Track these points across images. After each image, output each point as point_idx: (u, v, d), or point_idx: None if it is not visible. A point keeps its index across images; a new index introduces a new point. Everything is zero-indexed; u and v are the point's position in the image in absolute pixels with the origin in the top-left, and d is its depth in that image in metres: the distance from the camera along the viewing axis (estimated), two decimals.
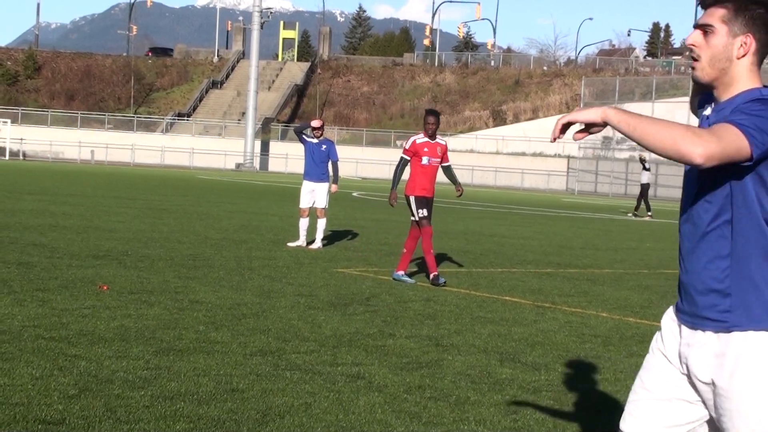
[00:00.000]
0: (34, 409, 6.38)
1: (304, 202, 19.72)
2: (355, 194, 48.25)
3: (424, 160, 14.77)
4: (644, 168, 43.67)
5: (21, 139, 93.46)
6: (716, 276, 3.73)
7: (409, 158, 14.86)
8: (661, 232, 32.16)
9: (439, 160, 14.90)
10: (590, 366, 9.01)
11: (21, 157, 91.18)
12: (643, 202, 43.32)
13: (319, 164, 19.71)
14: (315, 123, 19.64)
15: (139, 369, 7.69)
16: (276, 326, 9.96)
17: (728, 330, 3.68)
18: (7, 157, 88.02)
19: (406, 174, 14.80)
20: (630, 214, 44.28)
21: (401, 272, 14.60)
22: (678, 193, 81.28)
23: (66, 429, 6.04)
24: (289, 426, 6.42)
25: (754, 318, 3.64)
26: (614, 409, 7.43)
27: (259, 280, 13.66)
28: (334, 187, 19.94)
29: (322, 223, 19.50)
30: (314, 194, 19.69)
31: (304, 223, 19.48)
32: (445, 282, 14.23)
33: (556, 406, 7.41)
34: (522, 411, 7.20)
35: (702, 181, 3.76)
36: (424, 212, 14.64)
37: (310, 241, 19.38)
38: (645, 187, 43.42)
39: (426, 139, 14.83)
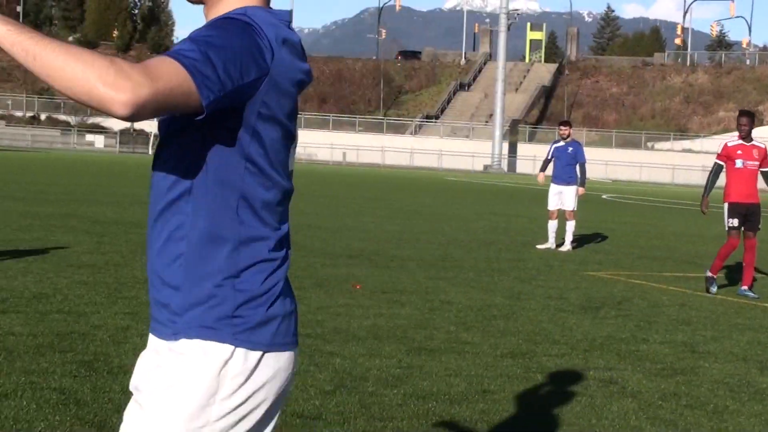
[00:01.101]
0: (292, 403, 6.55)
1: (552, 204, 19.59)
2: (605, 196, 47.59)
3: (738, 163, 13.85)
4: None
5: None
6: (168, 265, 2.75)
7: (722, 163, 14.03)
8: None
9: (756, 163, 13.83)
10: None
11: None
12: None
13: (566, 166, 19.54)
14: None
15: (392, 367, 7.79)
16: (526, 328, 9.92)
17: (175, 337, 2.73)
18: None
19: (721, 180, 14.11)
20: None
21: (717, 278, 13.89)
22: None
23: (323, 424, 6.17)
24: (540, 429, 6.37)
25: (204, 322, 2.69)
26: None
27: (508, 281, 13.64)
28: (581, 190, 19.71)
29: (571, 226, 19.33)
30: (562, 196, 19.53)
31: (552, 225, 19.34)
32: (755, 297, 13.41)
33: None
34: None
35: (162, 130, 2.79)
36: (734, 222, 13.72)
37: (560, 244, 19.23)
38: None
39: (740, 141, 13.96)
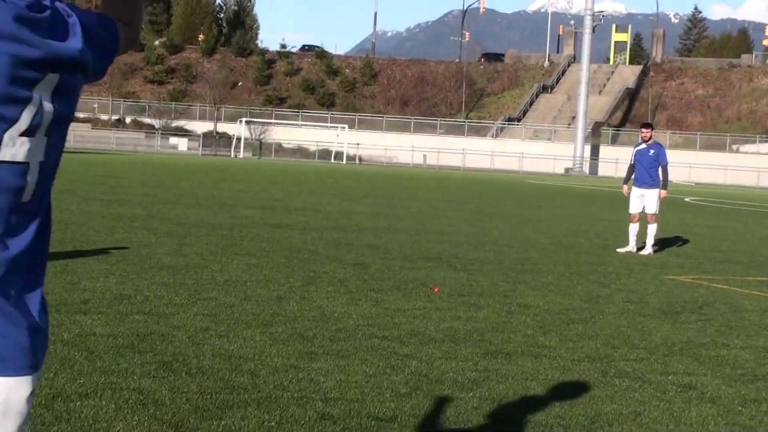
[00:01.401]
0: (367, 405, 6.57)
1: (634, 208, 19.43)
2: (687, 199, 47.04)
3: None
4: None
5: (357, 144, 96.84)
6: None
7: None
8: None
9: None
10: None
11: (357, 162, 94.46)
12: None
13: (648, 169, 19.36)
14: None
15: (468, 370, 7.79)
16: (604, 332, 9.85)
17: None
18: (344, 162, 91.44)
19: None
20: None
21: None
22: None
23: (398, 426, 6.18)
24: None
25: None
26: None
27: (587, 285, 13.55)
28: (663, 193, 19.51)
29: (652, 229, 19.15)
30: (644, 199, 19.36)
31: (634, 229, 19.18)
32: None
33: None
34: None
35: None
36: None
37: (640, 247, 19.05)
38: None
39: None
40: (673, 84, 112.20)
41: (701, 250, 20.02)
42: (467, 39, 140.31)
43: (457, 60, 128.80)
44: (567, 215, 29.26)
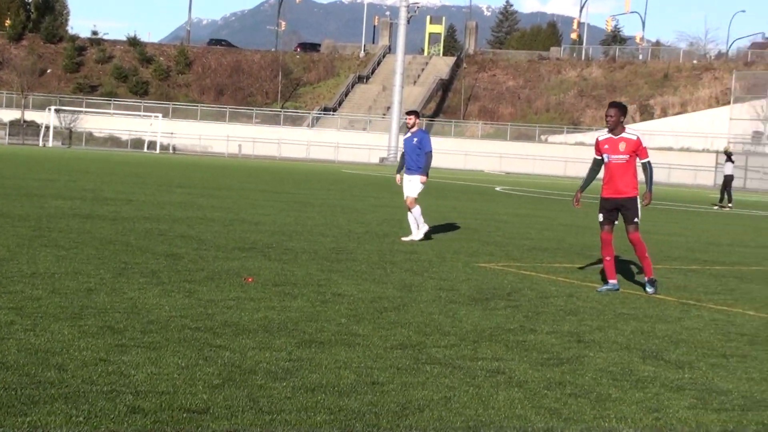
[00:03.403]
0: (179, 397, 6.52)
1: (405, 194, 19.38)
2: (498, 189, 48.05)
3: (605, 158, 13.54)
4: (729, 159, 44.71)
5: (171, 133, 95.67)
6: None
7: (599, 158, 13.66)
8: None
9: (624, 157, 13.34)
10: (736, 365, 8.81)
11: (171, 151, 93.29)
12: (726, 193, 43.96)
13: (413, 156, 19.25)
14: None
15: (282, 360, 7.80)
16: (417, 320, 9.99)
17: None
18: (157, 151, 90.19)
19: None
20: (717, 207, 43.97)
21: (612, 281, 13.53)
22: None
23: (210, 418, 6.15)
24: (428, 420, 6.43)
25: None
26: (761, 408, 7.26)
27: (400, 273, 13.71)
28: (422, 178, 19.24)
29: (416, 211, 18.98)
30: (409, 185, 19.30)
31: (417, 211, 19.06)
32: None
33: (699, 405, 7.27)
34: (664, 410, 7.08)
35: None
36: (600, 217, 13.56)
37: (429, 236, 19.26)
38: (729, 179, 44.23)
39: (608, 135, 13.58)
40: (485, 75, 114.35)
41: (510, 238, 20.49)
42: (283, 28, 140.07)
43: (273, 49, 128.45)
44: (382, 205, 29.53)
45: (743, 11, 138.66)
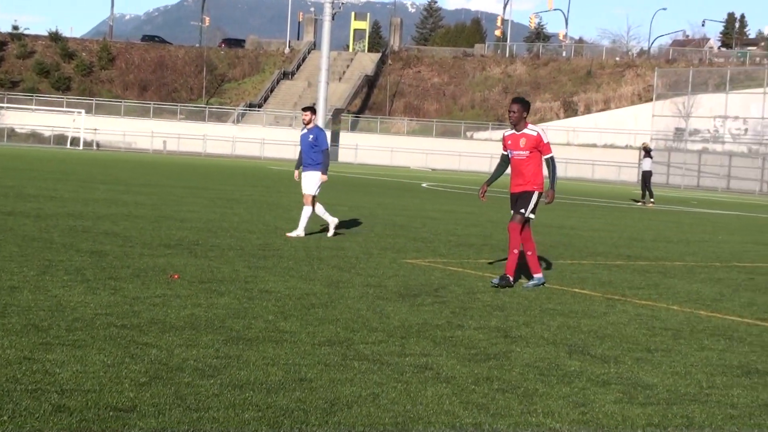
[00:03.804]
0: (105, 396, 6.46)
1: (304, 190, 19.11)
2: (424, 185, 48.19)
3: (509, 153, 13.57)
4: (647, 155, 45.21)
5: (95, 129, 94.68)
6: None
7: (505, 153, 13.67)
8: (735, 224, 31.77)
9: (525, 152, 13.34)
10: (660, 359, 8.93)
11: (94, 147, 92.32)
12: (646, 189, 44.46)
13: (309, 153, 19.03)
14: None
15: (209, 357, 7.76)
16: (344, 316, 9.99)
17: None
18: (81, 147, 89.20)
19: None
20: (639, 203, 44.53)
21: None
22: (739, 184, 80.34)
23: (137, 416, 6.10)
24: (356, 416, 6.43)
25: None
26: (686, 402, 7.36)
27: (328, 270, 13.70)
28: (323, 177, 19.06)
29: (307, 211, 18.80)
30: (306, 182, 19.09)
31: (307, 211, 18.89)
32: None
33: (625, 400, 7.35)
34: (590, 404, 7.15)
35: None
36: (512, 210, 13.62)
37: (324, 228, 19.29)
38: (647, 174, 44.69)
39: (512, 131, 13.57)
40: (410, 72, 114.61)
41: (437, 234, 20.56)
42: (207, 24, 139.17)
43: (197, 45, 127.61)
44: None
45: (664, 9, 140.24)
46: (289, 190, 35.71)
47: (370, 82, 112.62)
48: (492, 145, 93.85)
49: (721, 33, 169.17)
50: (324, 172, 19.09)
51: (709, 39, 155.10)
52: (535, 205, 13.51)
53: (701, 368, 8.64)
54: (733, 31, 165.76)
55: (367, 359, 8.08)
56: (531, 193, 13.42)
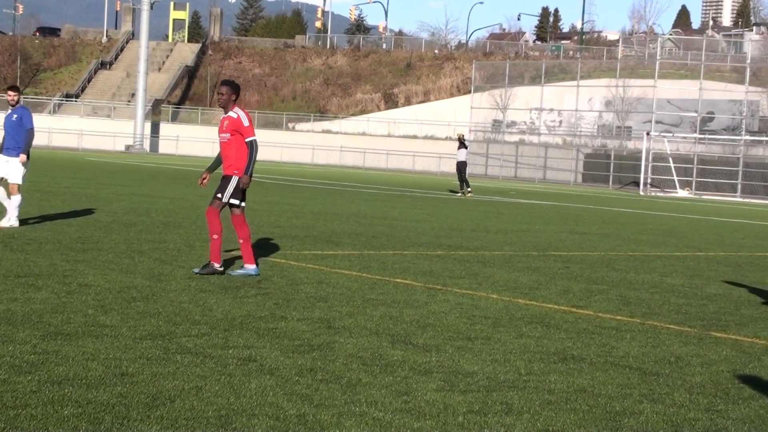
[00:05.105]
0: None
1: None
2: None
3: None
4: (462, 146, 45.94)
5: None
6: None
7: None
8: (551, 214, 32.59)
9: (226, 135, 13.18)
10: (480, 347, 9.10)
11: None
12: (462, 180, 45.25)
13: (13, 135, 17.83)
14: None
15: (26, 353, 7.57)
16: (166, 309, 9.88)
17: None
18: None
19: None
20: (459, 194, 45.10)
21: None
22: (554, 174, 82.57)
23: None
24: (179, 410, 6.38)
25: None
26: (505, 389, 7.52)
27: (149, 263, 13.53)
28: (22, 157, 17.83)
29: (16, 200, 17.62)
30: (8, 166, 17.88)
31: (16, 200, 17.71)
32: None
33: (446, 388, 7.47)
34: (413, 392, 7.24)
35: None
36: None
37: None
38: (462, 165, 45.49)
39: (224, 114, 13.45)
40: (231, 63, 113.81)
41: (259, 226, 20.49)
42: (21, 12, 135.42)
43: (10, 33, 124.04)
44: (128, 193, 29.01)
45: (481, 2, 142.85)
46: (109, 181, 35.07)
47: (190, 73, 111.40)
48: (314, 137, 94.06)
49: (536, 27, 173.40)
50: (25, 152, 17.81)
51: (524, 33, 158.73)
52: (235, 189, 13.31)
53: (519, 355, 8.85)
54: (548, 25, 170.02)
55: (189, 352, 8.02)
56: (230, 178, 13.27)
